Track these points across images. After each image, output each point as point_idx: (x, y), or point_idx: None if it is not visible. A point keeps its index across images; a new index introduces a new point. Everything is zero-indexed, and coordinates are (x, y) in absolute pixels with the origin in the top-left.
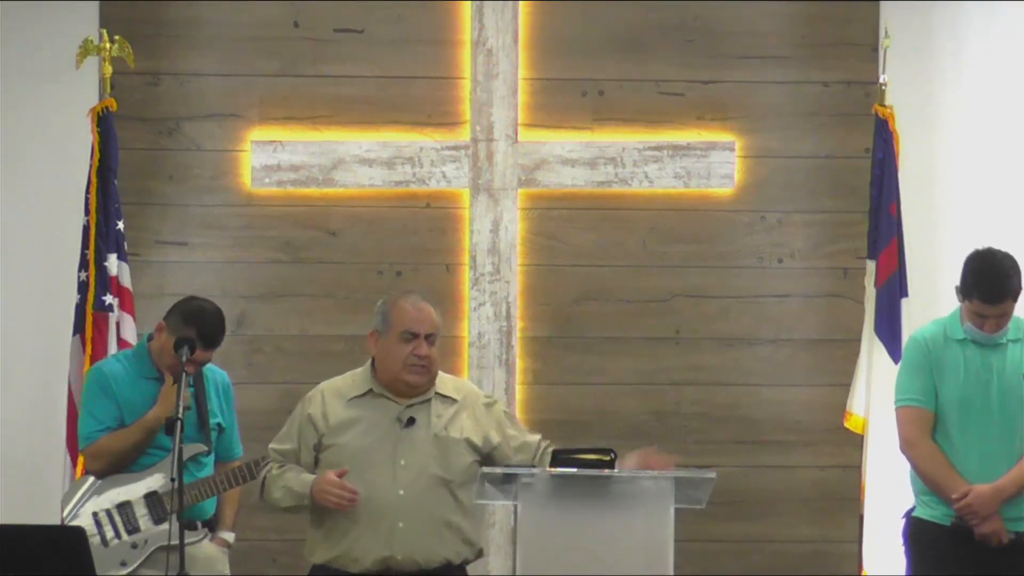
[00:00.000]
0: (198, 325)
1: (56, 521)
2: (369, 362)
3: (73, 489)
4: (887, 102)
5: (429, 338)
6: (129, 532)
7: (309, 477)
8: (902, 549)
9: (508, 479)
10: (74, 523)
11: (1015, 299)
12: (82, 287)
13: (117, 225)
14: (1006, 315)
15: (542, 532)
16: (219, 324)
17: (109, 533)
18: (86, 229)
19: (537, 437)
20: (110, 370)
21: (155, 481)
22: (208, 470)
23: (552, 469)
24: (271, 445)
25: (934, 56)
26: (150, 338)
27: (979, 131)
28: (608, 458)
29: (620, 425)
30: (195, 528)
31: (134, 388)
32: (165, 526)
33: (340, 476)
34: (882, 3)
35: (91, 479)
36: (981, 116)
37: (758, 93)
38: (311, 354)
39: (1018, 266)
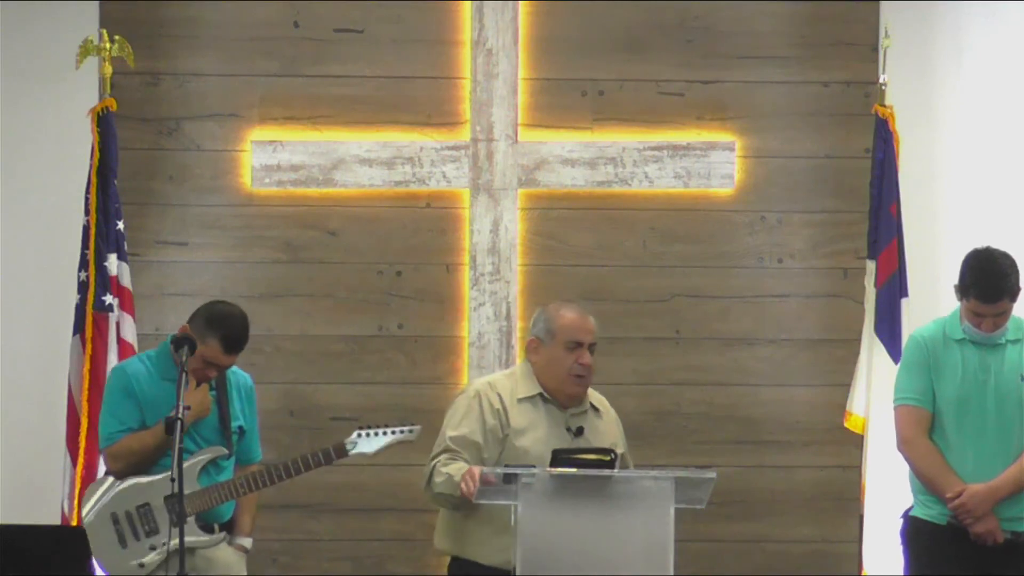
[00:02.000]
0: (223, 329)
1: (56, 521)
2: (525, 365)
3: (92, 489)
4: (887, 102)
5: (591, 347)
6: (148, 534)
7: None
8: (900, 549)
9: (508, 479)
10: (93, 523)
11: (1013, 299)
12: (82, 287)
13: (117, 225)
14: (1004, 314)
15: (542, 532)
16: (244, 329)
17: (128, 534)
18: (86, 229)
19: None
20: (133, 371)
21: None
22: (228, 473)
23: (552, 469)
24: (450, 434)
25: (934, 56)
26: (173, 339)
27: (979, 131)
28: (608, 458)
29: None
30: (212, 531)
31: (156, 389)
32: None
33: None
34: (882, 3)
35: (111, 479)
36: (981, 116)
37: (758, 93)
38: (311, 354)
39: (1016, 266)
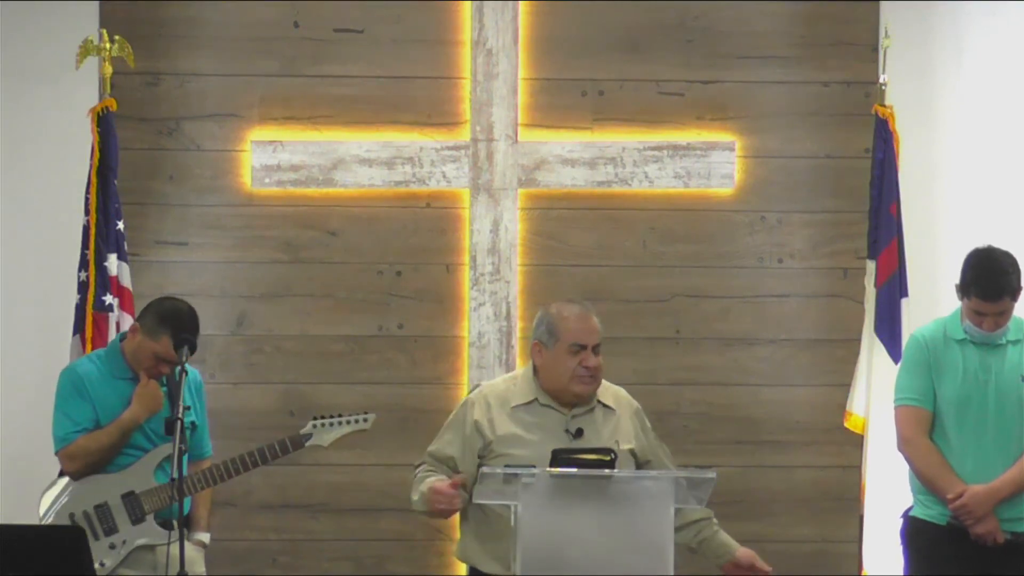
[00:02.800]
0: (173, 326)
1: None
2: (530, 369)
3: (49, 490)
4: (887, 102)
5: (596, 348)
6: (107, 533)
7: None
8: (900, 549)
9: (508, 479)
10: (49, 524)
11: (1014, 298)
12: (82, 287)
13: (117, 225)
14: (1004, 313)
15: (542, 532)
16: (194, 324)
17: (87, 533)
18: (86, 229)
19: (661, 449)
20: (84, 371)
21: (132, 481)
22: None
23: (552, 469)
24: (429, 448)
25: (934, 56)
26: (123, 338)
27: (979, 131)
28: (608, 458)
29: None
30: (171, 528)
31: (108, 388)
32: (143, 526)
33: (454, 486)
34: (882, 3)
35: (65, 480)
36: (981, 116)
37: (758, 93)
38: (311, 354)
39: (1017, 265)
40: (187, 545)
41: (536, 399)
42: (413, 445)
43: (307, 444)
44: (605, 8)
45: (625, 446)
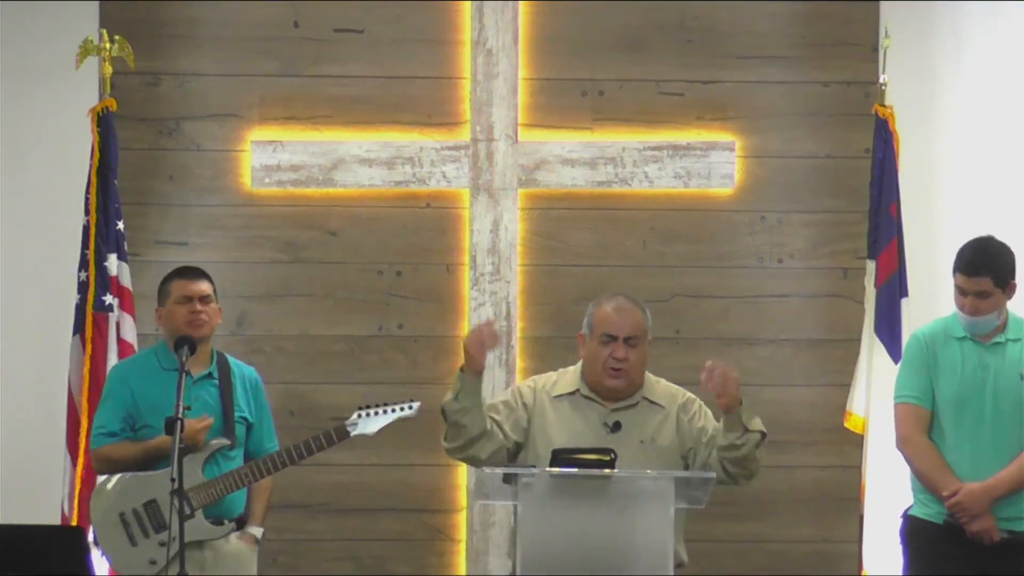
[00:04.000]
0: (173, 272)
1: (56, 521)
2: (579, 363)
3: (99, 489)
4: (887, 102)
5: (629, 340)
6: (156, 530)
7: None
8: (899, 548)
9: (508, 479)
10: (102, 524)
11: (997, 281)
12: (82, 287)
13: (117, 225)
14: (986, 296)
15: (542, 532)
16: (194, 267)
17: (137, 533)
18: (86, 229)
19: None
20: (129, 367)
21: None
22: (237, 464)
23: (552, 469)
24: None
25: (934, 56)
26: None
27: (979, 131)
28: (608, 458)
29: None
30: (221, 524)
31: (155, 379)
32: (192, 522)
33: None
34: (882, 3)
35: (116, 478)
36: (981, 116)
37: (758, 93)
38: (311, 354)
39: (1010, 255)
40: (238, 541)
41: (578, 390)
42: (413, 445)
43: (353, 435)
44: (605, 8)
45: (662, 443)
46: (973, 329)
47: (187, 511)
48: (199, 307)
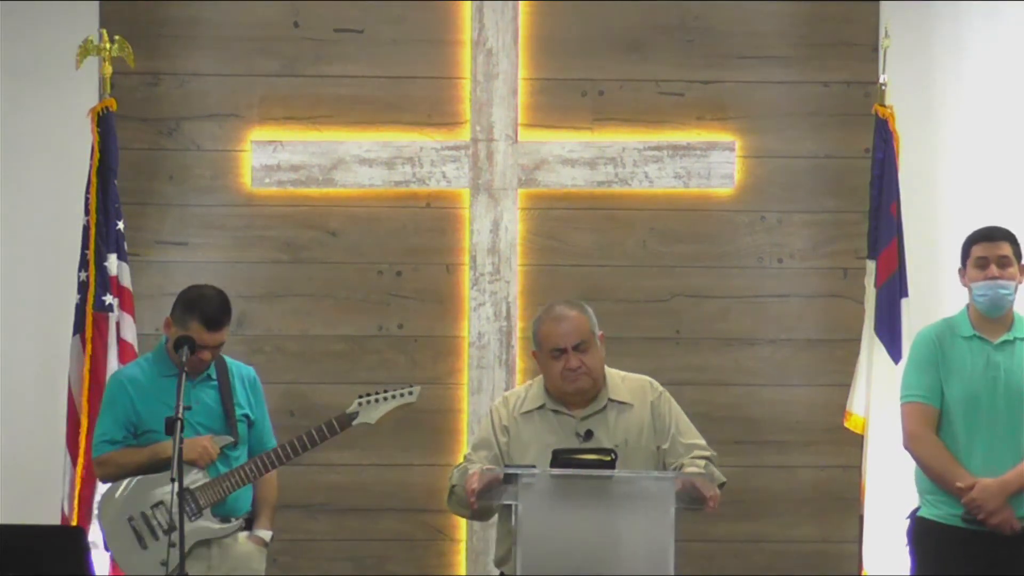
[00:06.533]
0: (200, 310)
1: (56, 521)
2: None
3: (108, 495)
4: (887, 102)
5: (579, 347)
6: (166, 532)
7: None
8: (907, 549)
9: (508, 479)
10: (112, 529)
11: (1014, 250)
12: (82, 287)
13: (117, 225)
14: (1006, 263)
15: (542, 532)
16: (221, 305)
17: (147, 536)
18: (86, 229)
19: (695, 442)
20: (127, 376)
21: (187, 476)
22: (241, 462)
23: (552, 469)
24: (467, 451)
25: (934, 56)
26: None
27: (979, 131)
28: (608, 458)
29: None
30: (229, 521)
31: (155, 388)
32: (200, 522)
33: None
34: (882, 3)
35: (123, 483)
36: (981, 116)
37: (758, 93)
38: (311, 354)
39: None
40: (246, 542)
41: (545, 404)
42: (413, 445)
43: (354, 423)
44: (605, 8)
45: (637, 443)
46: (996, 300)
47: (195, 510)
48: (208, 356)
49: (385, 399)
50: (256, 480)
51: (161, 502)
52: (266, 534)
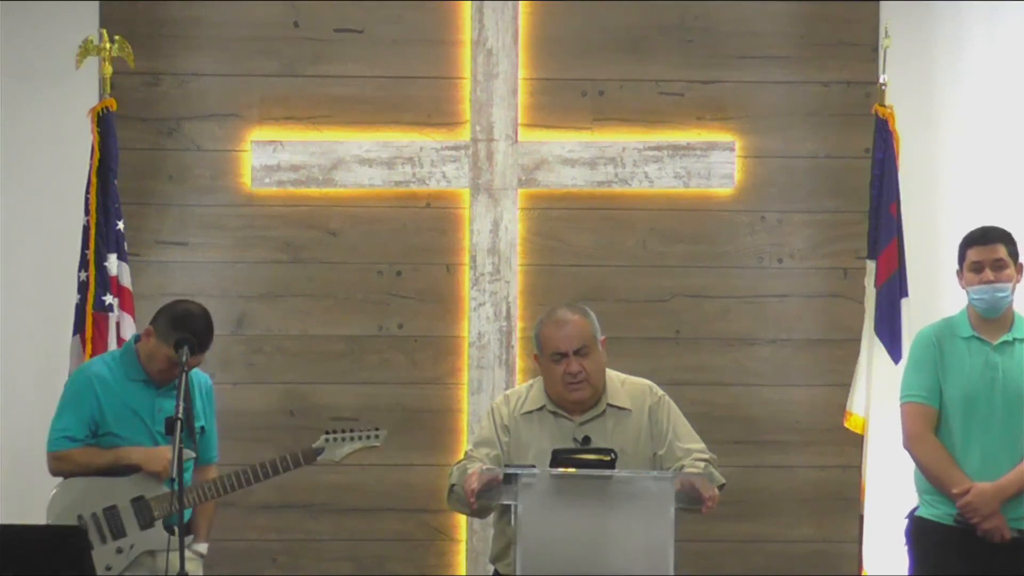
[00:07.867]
0: (186, 330)
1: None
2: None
3: (65, 486)
4: (887, 102)
5: (580, 351)
6: (115, 536)
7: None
8: (905, 549)
9: (508, 479)
10: (58, 523)
11: (1009, 251)
12: (82, 287)
13: (117, 225)
14: (1001, 265)
15: (542, 532)
16: (207, 327)
17: (94, 537)
18: (86, 229)
19: (693, 447)
20: (95, 372)
21: (143, 485)
22: (190, 474)
23: (552, 469)
24: (468, 448)
25: (934, 56)
26: (137, 339)
27: (979, 131)
28: (608, 458)
29: None
30: (173, 533)
31: (121, 390)
32: (150, 531)
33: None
34: (882, 3)
35: (84, 479)
36: (981, 116)
37: (758, 93)
38: (311, 354)
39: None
40: (186, 552)
41: (544, 406)
42: (413, 445)
43: (319, 459)
44: (605, 8)
45: (634, 450)
46: (992, 303)
47: (148, 520)
48: (178, 373)
49: (351, 439)
50: (215, 499)
51: (114, 506)
52: (202, 547)
